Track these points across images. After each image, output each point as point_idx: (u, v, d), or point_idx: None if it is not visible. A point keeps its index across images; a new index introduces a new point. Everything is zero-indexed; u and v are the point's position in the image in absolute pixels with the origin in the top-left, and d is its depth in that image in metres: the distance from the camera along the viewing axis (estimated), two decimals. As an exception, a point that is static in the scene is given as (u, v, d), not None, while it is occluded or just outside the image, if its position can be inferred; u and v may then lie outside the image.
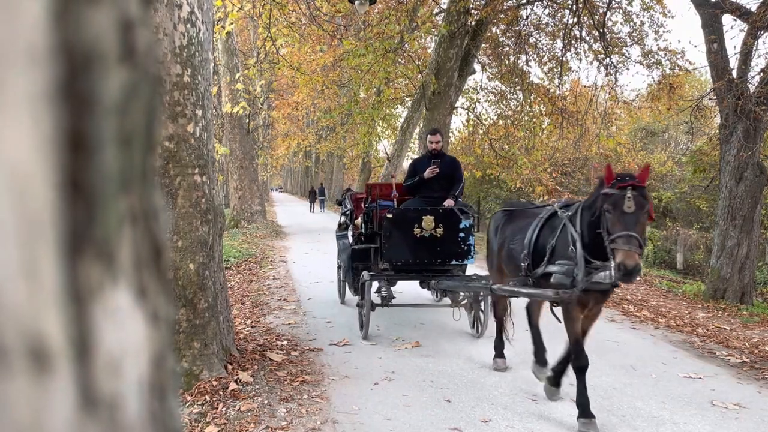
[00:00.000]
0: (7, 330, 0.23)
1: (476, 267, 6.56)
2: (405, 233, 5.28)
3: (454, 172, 5.83)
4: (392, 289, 5.77)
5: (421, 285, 5.86)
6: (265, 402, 3.89)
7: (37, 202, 0.24)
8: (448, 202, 5.56)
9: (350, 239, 6.70)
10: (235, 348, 4.74)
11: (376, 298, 5.59)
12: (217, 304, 4.33)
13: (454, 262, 5.43)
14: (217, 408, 3.75)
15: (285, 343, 5.30)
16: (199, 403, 3.78)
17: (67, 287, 0.25)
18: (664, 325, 6.53)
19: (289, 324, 6.07)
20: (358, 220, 6.18)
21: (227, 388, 4.00)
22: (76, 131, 0.26)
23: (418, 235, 5.29)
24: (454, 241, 5.36)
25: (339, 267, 7.19)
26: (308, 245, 13.85)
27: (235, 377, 4.20)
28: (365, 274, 5.40)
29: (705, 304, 8.20)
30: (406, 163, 29.33)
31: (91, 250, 0.26)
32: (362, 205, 6.19)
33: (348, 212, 6.83)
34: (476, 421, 3.64)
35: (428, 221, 5.29)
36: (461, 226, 5.37)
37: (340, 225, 7.15)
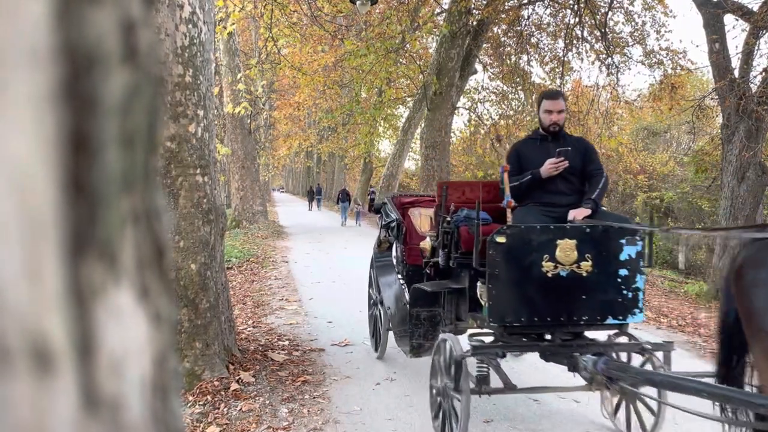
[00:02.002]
0: (10, 330, 0.23)
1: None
2: (528, 269, 3.07)
3: (587, 164, 3.61)
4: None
5: (544, 357, 3.34)
6: (267, 402, 3.89)
7: (40, 203, 0.24)
8: (580, 212, 3.34)
9: (394, 263, 4.74)
10: (237, 348, 4.75)
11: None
12: (218, 304, 4.33)
13: (611, 320, 3.16)
14: (218, 408, 3.75)
15: (286, 343, 5.31)
16: (200, 403, 3.79)
17: (69, 287, 0.25)
18: (666, 326, 6.52)
19: (291, 324, 6.07)
20: (426, 242, 3.92)
21: (229, 388, 4.01)
22: (78, 132, 0.26)
23: (549, 274, 3.06)
24: (612, 283, 3.13)
25: (374, 303, 4.97)
26: (309, 245, 13.86)
27: (237, 377, 4.20)
28: (451, 340, 3.15)
29: (707, 305, 8.19)
30: (408, 164, 29.44)
31: (94, 250, 0.27)
32: (436, 214, 3.84)
33: (393, 224, 4.52)
34: (478, 422, 3.64)
35: (567, 249, 3.08)
36: (622, 256, 3.14)
37: (380, 244, 4.87)
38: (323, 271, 9.70)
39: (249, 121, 16.90)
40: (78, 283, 0.26)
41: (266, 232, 16.08)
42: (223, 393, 3.95)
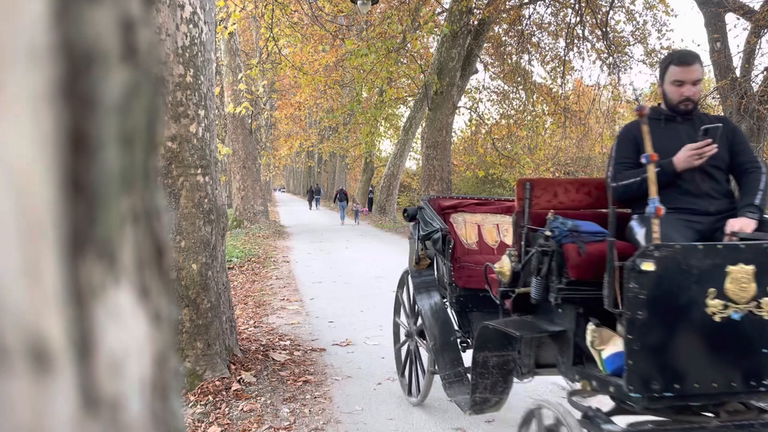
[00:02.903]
0: (8, 330, 0.23)
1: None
2: (685, 311, 2.09)
3: (736, 154, 2.59)
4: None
5: None
6: (269, 402, 3.89)
7: (39, 202, 0.24)
8: (746, 224, 2.35)
9: (437, 285, 3.68)
10: (238, 348, 4.75)
11: None
12: (219, 304, 4.34)
13: None
14: (220, 408, 3.75)
15: (288, 343, 5.31)
16: (202, 403, 3.79)
17: (68, 287, 0.25)
18: None
19: (292, 324, 6.07)
20: (503, 264, 2.74)
21: (230, 388, 4.01)
22: (77, 131, 0.26)
23: (716, 317, 2.09)
24: None
25: (408, 334, 3.96)
26: (310, 245, 13.87)
27: (238, 377, 4.20)
28: (557, 412, 2.22)
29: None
30: (408, 164, 29.43)
31: (93, 249, 0.26)
32: (518, 224, 2.79)
33: (437, 235, 3.49)
34: (480, 422, 3.63)
35: (742, 279, 2.10)
36: None
37: (418, 260, 3.74)
38: (324, 270, 9.71)
39: (250, 121, 16.91)
40: (77, 283, 0.25)
41: (267, 232, 16.09)
42: (224, 393, 3.95)
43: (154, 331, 0.31)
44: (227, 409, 3.75)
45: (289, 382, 4.24)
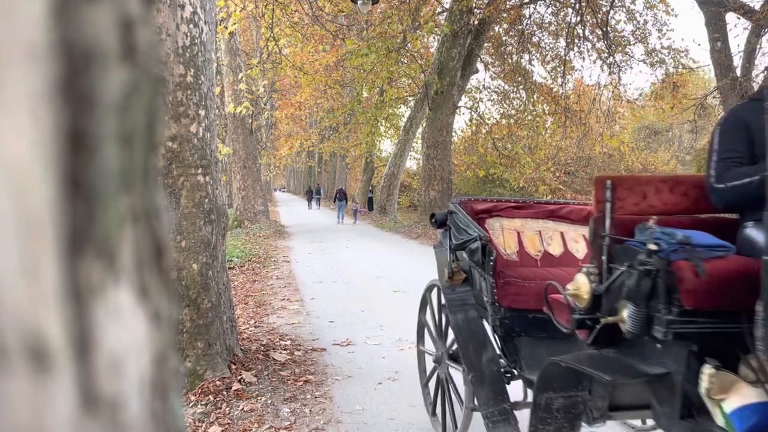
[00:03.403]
0: (7, 329, 0.23)
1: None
2: None
3: None
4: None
5: None
6: (269, 402, 3.89)
7: (37, 201, 0.24)
8: None
9: (469, 294, 3.15)
10: (239, 348, 4.75)
11: None
12: (220, 304, 4.34)
13: None
14: (220, 408, 3.75)
15: (288, 342, 5.31)
16: (202, 403, 3.79)
17: (67, 286, 0.25)
18: None
19: (293, 324, 6.07)
20: (580, 283, 2.18)
21: (231, 388, 4.01)
22: (76, 130, 0.26)
23: None
24: None
25: (437, 360, 3.41)
26: (311, 245, 13.87)
27: (239, 377, 4.20)
28: None
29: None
30: (409, 163, 29.43)
31: (92, 249, 0.26)
32: (596, 234, 2.20)
33: (475, 246, 2.92)
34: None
35: None
36: None
37: (452, 275, 3.18)
38: (325, 270, 9.71)
39: (250, 120, 16.92)
40: (76, 282, 0.25)
41: (268, 232, 16.10)
42: (225, 393, 3.95)
43: (154, 331, 0.31)
44: (228, 408, 3.75)
45: (289, 382, 4.24)
